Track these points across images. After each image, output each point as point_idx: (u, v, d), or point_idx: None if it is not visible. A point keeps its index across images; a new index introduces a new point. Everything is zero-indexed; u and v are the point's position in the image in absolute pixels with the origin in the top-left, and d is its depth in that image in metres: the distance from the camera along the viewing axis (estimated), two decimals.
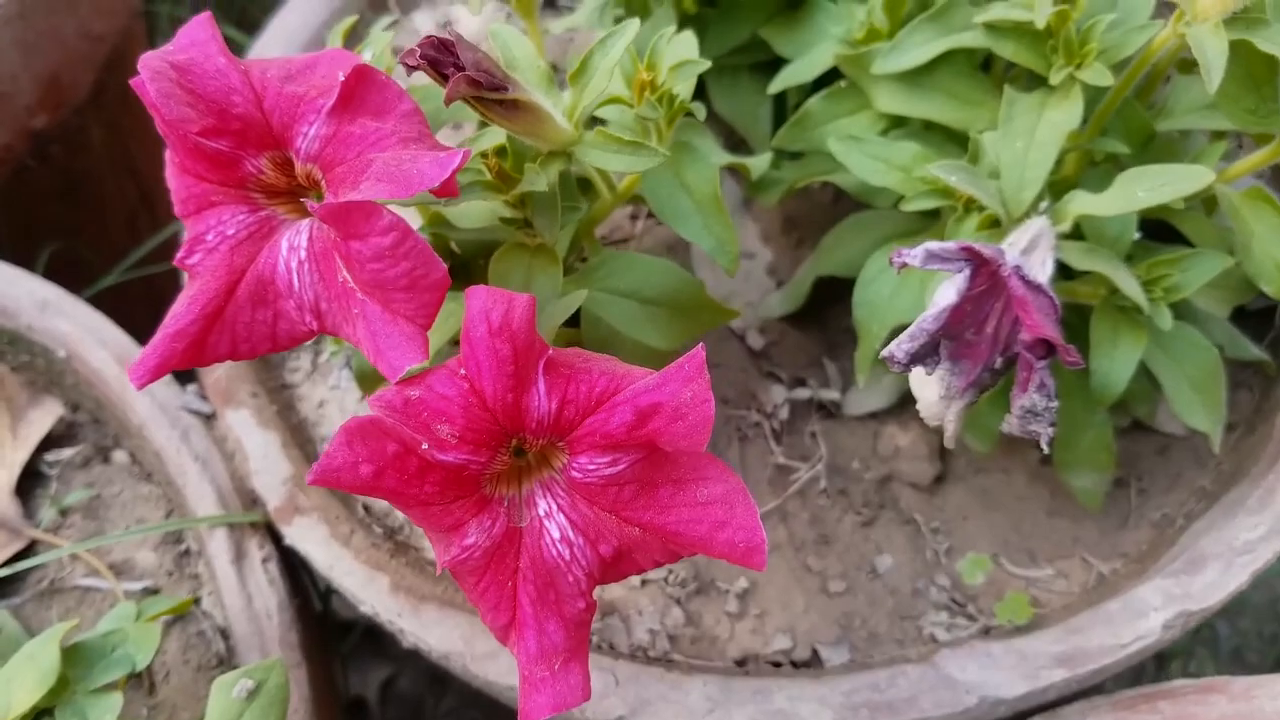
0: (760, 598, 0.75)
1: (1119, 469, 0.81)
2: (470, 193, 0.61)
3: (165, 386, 0.82)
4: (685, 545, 0.52)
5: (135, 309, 1.26)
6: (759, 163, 0.78)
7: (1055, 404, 0.58)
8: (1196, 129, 0.73)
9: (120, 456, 0.86)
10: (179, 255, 0.55)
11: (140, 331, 0.93)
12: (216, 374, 0.82)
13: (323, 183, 0.54)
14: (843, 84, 0.79)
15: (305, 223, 0.55)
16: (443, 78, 0.53)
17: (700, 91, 0.96)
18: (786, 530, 0.78)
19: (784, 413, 0.84)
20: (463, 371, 0.50)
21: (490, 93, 0.54)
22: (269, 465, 0.77)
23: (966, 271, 0.57)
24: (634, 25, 0.60)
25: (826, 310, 0.89)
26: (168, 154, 0.57)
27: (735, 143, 0.97)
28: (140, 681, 0.73)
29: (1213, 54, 0.60)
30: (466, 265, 0.72)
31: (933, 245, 0.57)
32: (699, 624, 0.73)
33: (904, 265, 0.57)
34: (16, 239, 1.19)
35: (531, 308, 0.50)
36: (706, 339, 0.86)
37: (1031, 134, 0.66)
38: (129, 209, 1.41)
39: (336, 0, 1.03)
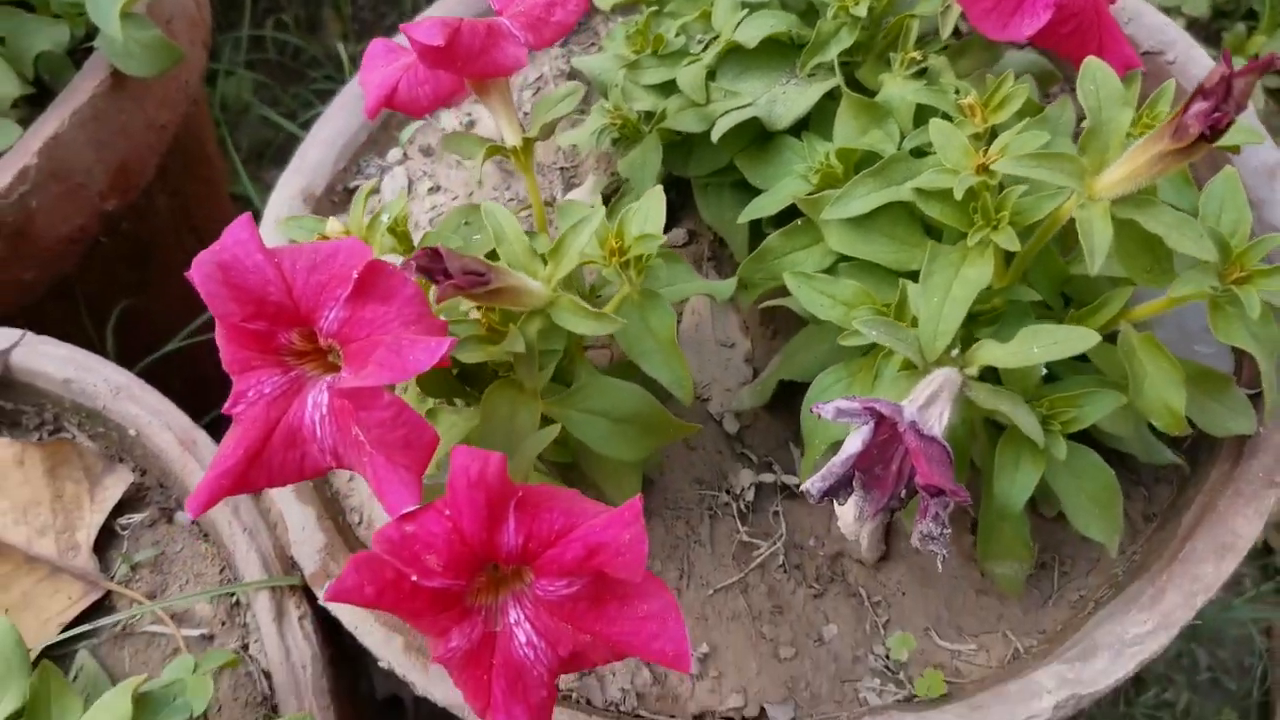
0: (719, 661, 0.87)
1: (1044, 554, 0.92)
2: (466, 345, 0.74)
3: None
4: (626, 651, 0.65)
5: (202, 362, 1.41)
6: (725, 288, 0.90)
7: (948, 531, 0.70)
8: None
9: (182, 518, 1.00)
10: (227, 405, 0.69)
11: (202, 388, 1.07)
12: None
13: (341, 353, 0.67)
14: (799, 221, 0.90)
15: (325, 382, 0.68)
16: (434, 282, 0.65)
17: (689, 195, 1.08)
18: (746, 601, 0.90)
19: (750, 494, 0.96)
20: (447, 512, 0.63)
21: (474, 290, 0.66)
22: (306, 536, 0.92)
23: (871, 424, 0.68)
24: (600, 214, 0.72)
25: (795, 398, 1.00)
26: (217, 323, 0.70)
27: (721, 243, 1.09)
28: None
29: (1098, 239, 0.71)
30: (471, 374, 0.85)
31: (841, 403, 0.68)
32: (664, 683, 0.86)
33: (819, 417, 0.69)
34: (91, 301, 1.35)
35: (502, 464, 0.63)
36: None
37: (948, 289, 0.77)
38: (190, 262, 1.56)
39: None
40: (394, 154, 1.21)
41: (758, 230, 1.01)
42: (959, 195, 0.78)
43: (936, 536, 0.70)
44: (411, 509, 0.64)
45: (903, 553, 0.93)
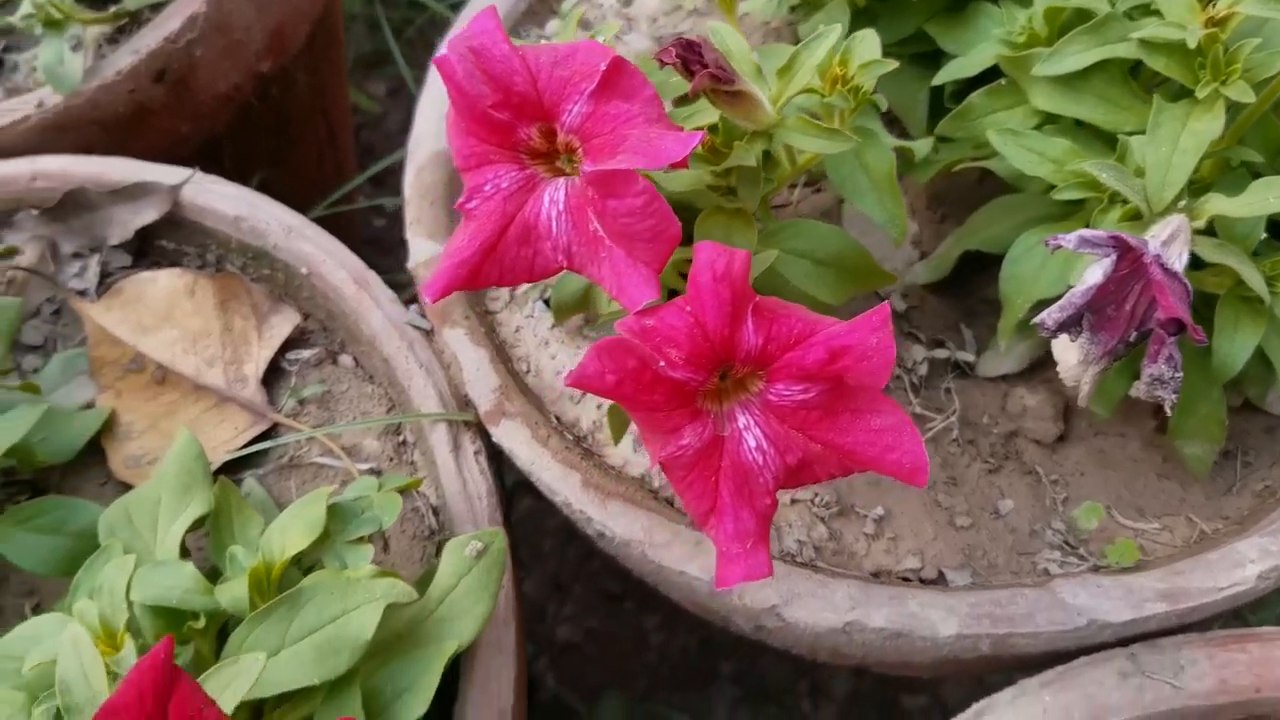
0: (894, 524, 0.86)
1: (1228, 443, 0.90)
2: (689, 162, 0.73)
3: (393, 305, 0.97)
4: (859, 462, 0.64)
5: None
6: (922, 147, 0.88)
7: (1180, 375, 0.68)
8: None
9: (346, 360, 1.01)
10: (461, 200, 0.68)
11: None
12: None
13: (579, 150, 0.66)
14: (1002, 82, 0.88)
15: (561, 181, 0.67)
16: (689, 73, 0.65)
17: None
18: None
19: (923, 369, 0.94)
20: (688, 308, 0.62)
21: (723, 85, 0.65)
22: (480, 376, 0.92)
23: (1113, 256, 0.67)
24: (836, 31, 0.71)
25: (965, 282, 0.99)
26: (451, 119, 0.70)
27: (889, 124, 1.07)
28: (375, 541, 0.88)
29: None
30: None
31: (1086, 232, 0.67)
32: (840, 540, 0.85)
33: (1058, 247, 0.67)
34: (237, 166, 1.36)
35: (747, 261, 0.62)
36: (855, 300, 0.97)
37: (1176, 141, 0.75)
38: (319, 146, 1.57)
39: None
40: (552, 25, 1.20)
41: (937, 108, 0.99)
42: (1191, 44, 0.75)
43: (1168, 380, 0.68)
44: (650, 304, 0.63)
45: (1081, 434, 0.92)
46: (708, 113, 0.74)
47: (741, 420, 0.65)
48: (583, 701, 1.60)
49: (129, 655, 0.71)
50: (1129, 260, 0.67)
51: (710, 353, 0.62)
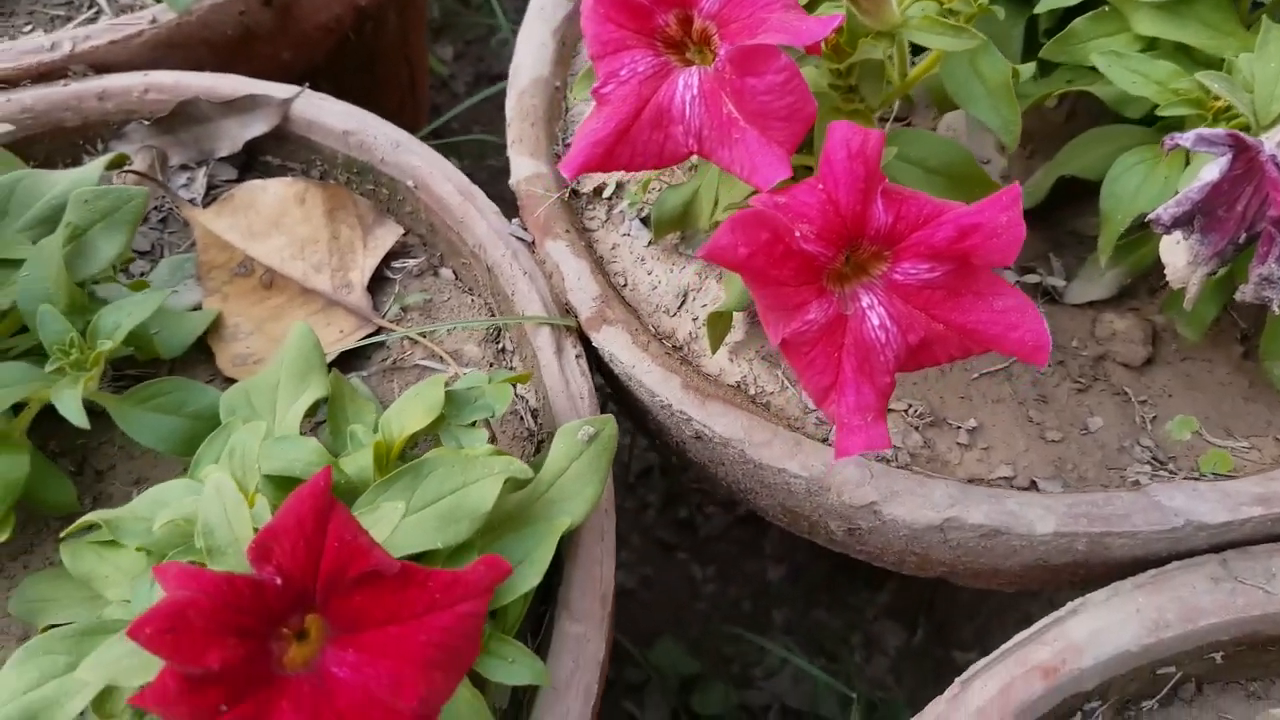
0: (986, 435, 0.88)
1: None
2: (808, 59, 0.75)
3: (497, 216, 1.00)
4: (981, 342, 0.67)
5: None
6: (1025, 70, 0.90)
7: None
8: None
9: (446, 273, 1.04)
10: (596, 86, 0.71)
11: None
12: (536, 212, 1.00)
13: (715, 37, 0.69)
14: (1105, 8, 0.90)
15: (694, 69, 0.70)
16: None
17: None
18: (1011, 387, 0.91)
19: None
20: (821, 185, 0.65)
21: None
22: (581, 285, 0.94)
23: (1229, 155, 0.69)
24: None
25: (1053, 215, 1.01)
26: (588, 7, 0.72)
27: None
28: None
29: None
30: None
31: (1203, 130, 0.69)
32: (934, 448, 0.87)
33: (1175, 146, 0.69)
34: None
35: (881, 140, 0.64)
36: None
37: None
38: (401, 92, 1.60)
39: None
40: None
41: (1031, 44, 1.01)
42: None
43: (1277, 280, 0.70)
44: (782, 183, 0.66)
45: (1168, 358, 0.94)
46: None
47: (865, 300, 0.68)
48: (637, 645, 1.63)
49: (263, 511, 0.74)
50: (1244, 160, 0.69)
51: (841, 228, 0.65)
